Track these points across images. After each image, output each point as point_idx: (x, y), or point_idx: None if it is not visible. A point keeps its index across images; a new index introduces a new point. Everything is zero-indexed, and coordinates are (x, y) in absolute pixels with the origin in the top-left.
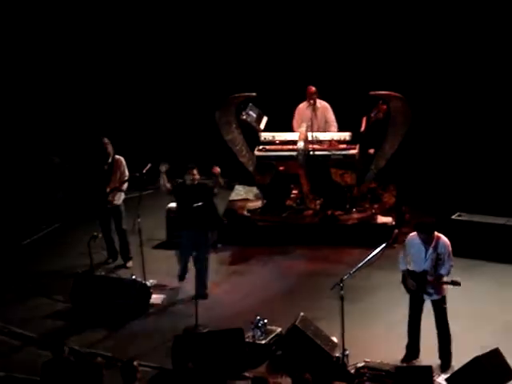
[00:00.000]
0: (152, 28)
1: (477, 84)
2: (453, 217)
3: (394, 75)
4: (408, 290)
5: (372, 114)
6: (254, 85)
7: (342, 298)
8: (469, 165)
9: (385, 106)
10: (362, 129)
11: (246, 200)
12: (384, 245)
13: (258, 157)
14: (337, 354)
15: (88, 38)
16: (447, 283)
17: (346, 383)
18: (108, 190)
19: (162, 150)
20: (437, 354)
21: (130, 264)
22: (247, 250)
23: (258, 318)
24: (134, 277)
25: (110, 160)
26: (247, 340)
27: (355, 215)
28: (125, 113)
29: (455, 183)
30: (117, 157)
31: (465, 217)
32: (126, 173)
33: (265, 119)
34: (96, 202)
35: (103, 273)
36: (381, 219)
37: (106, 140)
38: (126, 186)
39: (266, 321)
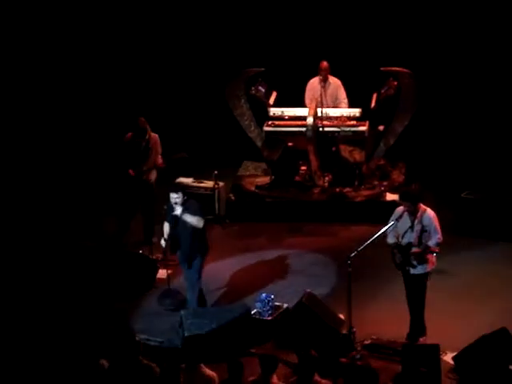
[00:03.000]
0: (162, 8)
1: (489, 62)
2: (462, 195)
3: (405, 51)
4: (397, 265)
5: (382, 91)
6: (264, 60)
7: (349, 275)
8: (479, 143)
9: (395, 83)
10: (372, 105)
11: (255, 175)
12: (392, 222)
13: (267, 132)
14: (344, 332)
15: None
16: (426, 253)
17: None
18: (145, 168)
19: (169, 124)
20: (445, 332)
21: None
22: (254, 226)
23: (265, 294)
24: (140, 251)
25: (147, 137)
26: (254, 316)
27: (363, 192)
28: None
29: (465, 161)
30: (153, 134)
31: (474, 195)
32: (160, 150)
33: (274, 94)
34: (132, 179)
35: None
36: (389, 196)
37: (143, 119)
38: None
39: (272, 297)
